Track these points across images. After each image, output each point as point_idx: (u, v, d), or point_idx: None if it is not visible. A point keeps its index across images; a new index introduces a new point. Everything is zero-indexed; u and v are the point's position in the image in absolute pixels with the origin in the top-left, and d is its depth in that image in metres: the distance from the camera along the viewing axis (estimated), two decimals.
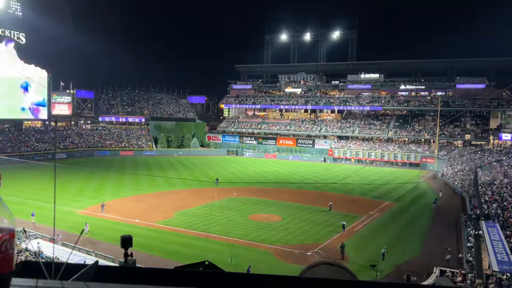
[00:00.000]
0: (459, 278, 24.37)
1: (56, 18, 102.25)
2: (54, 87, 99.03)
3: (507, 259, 25.17)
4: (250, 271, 25.22)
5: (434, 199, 50.43)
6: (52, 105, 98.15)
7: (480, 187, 48.82)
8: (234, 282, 1.84)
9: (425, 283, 24.08)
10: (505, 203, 40.24)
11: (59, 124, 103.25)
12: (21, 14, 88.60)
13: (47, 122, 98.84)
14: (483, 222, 33.33)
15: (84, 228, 32.15)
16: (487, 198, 43.03)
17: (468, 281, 23.85)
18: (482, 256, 26.88)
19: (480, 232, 29.87)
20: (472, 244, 29.44)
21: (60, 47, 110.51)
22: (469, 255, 29.02)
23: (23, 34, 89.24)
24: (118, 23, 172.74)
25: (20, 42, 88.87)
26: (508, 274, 23.21)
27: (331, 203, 44.14)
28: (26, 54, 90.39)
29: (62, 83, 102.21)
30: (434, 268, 26.84)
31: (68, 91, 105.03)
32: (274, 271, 26.38)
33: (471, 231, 33.03)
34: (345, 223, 37.81)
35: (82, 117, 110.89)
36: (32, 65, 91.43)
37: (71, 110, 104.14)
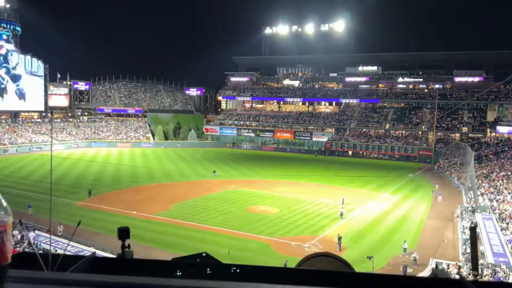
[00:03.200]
0: (455, 270, 24.56)
1: (52, 9, 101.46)
2: (50, 78, 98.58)
3: (502, 251, 25.40)
4: (287, 265, 25.38)
5: (431, 191, 50.74)
6: (49, 96, 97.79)
7: (476, 179, 49.06)
8: (231, 274, 1.85)
9: (421, 274, 24.28)
10: (501, 195, 40.49)
11: (56, 115, 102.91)
12: (17, 5, 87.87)
13: (43, 114, 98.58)
14: (479, 214, 33.57)
15: (59, 229, 31.68)
16: (483, 191, 43.28)
17: (463, 273, 24.06)
18: (478, 248, 27.07)
19: (476, 224, 30.07)
20: (467, 236, 29.65)
21: (57, 39, 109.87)
22: (464, 247, 29.23)
23: (19, 25, 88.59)
24: (115, 14, 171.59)
25: (16, 33, 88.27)
26: (504, 266, 23.42)
27: (343, 197, 43.70)
28: (23, 44, 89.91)
29: (58, 74, 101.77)
30: (430, 260, 27.06)
31: (65, 82, 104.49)
32: (271, 262, 26.53)
33: (467, 223, 33.25)
34: (343, 210, 38.81)
35: (79, 109, 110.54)
36: (29, 56, 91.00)
37: (68, 101, 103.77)
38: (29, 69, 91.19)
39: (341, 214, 38.33)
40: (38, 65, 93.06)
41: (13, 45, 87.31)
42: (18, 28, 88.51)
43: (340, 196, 44.57)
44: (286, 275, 1.85)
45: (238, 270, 1.81)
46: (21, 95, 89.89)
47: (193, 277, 1.81)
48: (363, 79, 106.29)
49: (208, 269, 1.96)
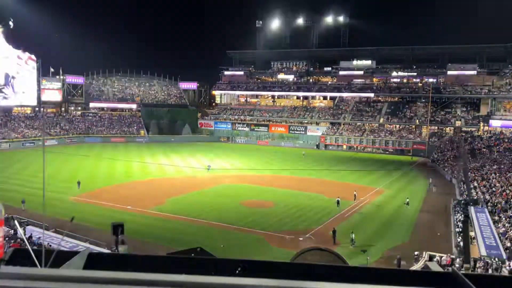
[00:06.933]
0: (448, 263, 24.80)
1: (45, 3, 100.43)
2: (43, 72, 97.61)
3: (495, 244, 25.65)
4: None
5: (427, 185, 51.21)
6: (42, 91, 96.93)
7: (469, 173, 49.43)
8: (226, 268, 1.85)
9: (414, 267, 24.49)
10: (493, 188, 40.85)
11: (49, 110, 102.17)
12: None
13: (36, 108, 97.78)
14: (472, 207, 33.83)
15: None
16: (476, 184, 43.62)
17: (456, 265, 24.29)
18: (471, 241, 27.36)
19: (469, 217, 30.33)
20: (461, 229, 29.90)
21: (49, 33, 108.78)
22: (458, 240, 29.49)
23: (11, 19, 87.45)
24: (109, 7, 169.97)
25: (8, 26, 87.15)
26: (496, 259, 23.67)
27: (355, 192, 43.82)
28: (15, 39, 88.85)
29: (52, 69, 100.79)
30: (424, 253, 27.28)
31: (58, 76, 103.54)
32: (266, 256, 26.64)
33: (460, 217, 33.51)
34: (339, 199, 40.05)
35: (72, 103, 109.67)
36: (21, 50, 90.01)
37: (61, 96, 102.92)
38: (21, 64, 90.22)
39: (338, 203, 39.61)
40: (30, 59, 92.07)
41: (4, 39, 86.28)
42: (10, 22, 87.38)
43: (333, 189, 44.73)
44: (281, 269, 1.86)
45: (232, 265, 1.81)
46: (13, 90, 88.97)
47: (188, 271, 1.82)
48: (358, 73, 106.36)
49: (202, 264, 1.97)
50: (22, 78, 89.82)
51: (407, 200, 42.33)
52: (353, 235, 30.06)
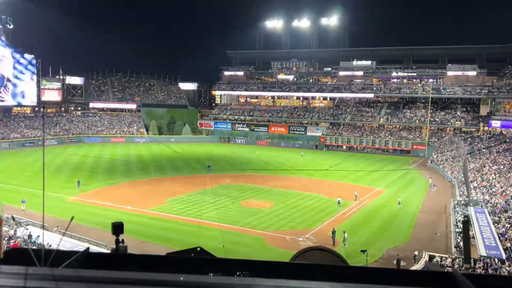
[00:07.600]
0: (448, 263, 24.79)
1: (44, 2, 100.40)
2: (43, 72, 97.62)
3: (494, 244, 25.65)
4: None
5: (429, 186, 51.27)
6: (42, 91, 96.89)
7: (469, 173, 49.41)
8: (226, 268, 1.85)
9: (414, 268, 24.47)
10: (493, 189, 40.86)
11: (49, 110, 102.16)
12: None
13: (36, 108, 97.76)
14: (471, 207, 33.84)
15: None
16: (476, 184, 43.61)
17: (456, 265, 24.29)
18: (471, 241, 27.32)
19: (468, 218, 30.30)
20: (460, 230, 29.89)
21: (49, 33, 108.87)
22: (458, 240, 29.49)
23: (11, 19, 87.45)
24: (109, 8, 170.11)
25: (8, 26, 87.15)
26: (496, 259, 23.67)
27: (356, 192, 44.13)
28: (14, 38, 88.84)
29: (51, 69, 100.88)
30: (424, 253, 27.29)
31: (57, 76, 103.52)
32: (265, 256, 26.64)
33: (460, 217, 33.50)
34: (340, 199, 40.22)
35: (72, 103, 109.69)
36: (20, 50, 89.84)
37: (61, 96, 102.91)
38: (21, 64, 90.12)
39: (338, 203, 39.91)
40: (30, 60, 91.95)
41: (4, 39, 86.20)
42: (10, 22, 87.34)
43: (333, 189, 44.71)
44: (281, 269, 1.86)
45: (231, 264, 1.81)
46: (13, 90, 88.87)
47: (188, 271, 1.81)
48: (358, 73, 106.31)
49: (202, 264, 1.96)
50: (21, 80, 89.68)
51: (399, 199, 42.29)
52: (346, 235, 30.17)
